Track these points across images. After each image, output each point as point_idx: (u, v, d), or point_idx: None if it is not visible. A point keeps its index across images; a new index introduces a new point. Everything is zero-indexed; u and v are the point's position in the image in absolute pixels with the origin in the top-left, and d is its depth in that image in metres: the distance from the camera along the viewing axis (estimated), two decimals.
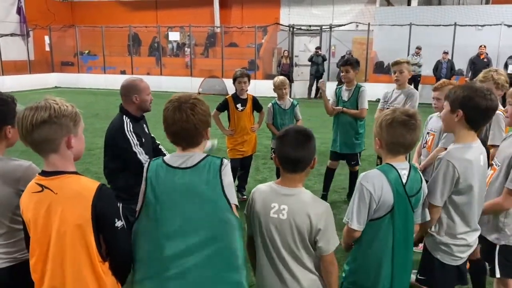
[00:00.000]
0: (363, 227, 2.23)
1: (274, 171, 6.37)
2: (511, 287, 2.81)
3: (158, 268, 1.96)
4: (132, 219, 2.11)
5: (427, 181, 2.42)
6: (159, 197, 1.97)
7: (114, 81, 16.23)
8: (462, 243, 2.48)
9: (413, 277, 2.60)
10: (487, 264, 2.80)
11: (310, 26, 18.43)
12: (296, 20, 19.28)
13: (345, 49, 17.36)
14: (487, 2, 18.10)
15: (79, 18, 23.11)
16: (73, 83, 20.67)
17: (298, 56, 19.21)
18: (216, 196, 1.95)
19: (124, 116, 3.28)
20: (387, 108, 3.62)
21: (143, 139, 3.32)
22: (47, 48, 21.36)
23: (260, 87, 15.27)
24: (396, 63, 4.77)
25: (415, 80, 14.75)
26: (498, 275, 2.71)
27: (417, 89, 12.15)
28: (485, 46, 14.50)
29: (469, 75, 14.22)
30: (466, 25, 15.44)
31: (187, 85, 18.30)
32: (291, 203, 2.04)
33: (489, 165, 2.76)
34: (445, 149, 2.66)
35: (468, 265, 2.72)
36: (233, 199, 1.99)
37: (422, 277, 2.60)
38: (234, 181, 5.39)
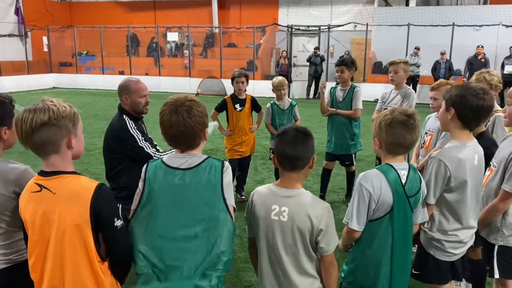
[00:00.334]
0: (363, 227, 2.24)
1: (272, 172, 6.37)
2: (510, 287, 2.81)
3: (156, 265, 1.95)
4: None
5: None
6: (157, 197, 1.97)
7: (113, 82, 16.24)
8: (454, 239, 2.50)
9: None
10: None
11: (308, 26, 18.44)
12: (295, 20, 19.30)
13: (343, 49, 17.40)
14: (485, 3, 18.13)
15: (77, 19, 23.11)
16: (71, 84, 20.65)
17: (297, 56, 19.26)
18: (215, 197, 1.96)
19: (124, 115, 3.24)
20: (385, 109, 3.62)
21: (145, 137, 3.28)
22: (45, 49, 21.31)
23: (259, 88, 15.30)
24: (392, 63, 4.77)
25: (413, 80, 14.79)
26: (497, 275, 2.72)
27: (415, 90, 12.17)
28: (482, 47, 14.58)
29: (467, 75, 14.25)
30: (464, 26, 15.47)
31: (186, 85, 18.32)
32: (292, 205, 2.04)
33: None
34: None
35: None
36: (231, 200, 2.00)
37: (417, 272, 2.63)
38: (233, 181, 5.39)
